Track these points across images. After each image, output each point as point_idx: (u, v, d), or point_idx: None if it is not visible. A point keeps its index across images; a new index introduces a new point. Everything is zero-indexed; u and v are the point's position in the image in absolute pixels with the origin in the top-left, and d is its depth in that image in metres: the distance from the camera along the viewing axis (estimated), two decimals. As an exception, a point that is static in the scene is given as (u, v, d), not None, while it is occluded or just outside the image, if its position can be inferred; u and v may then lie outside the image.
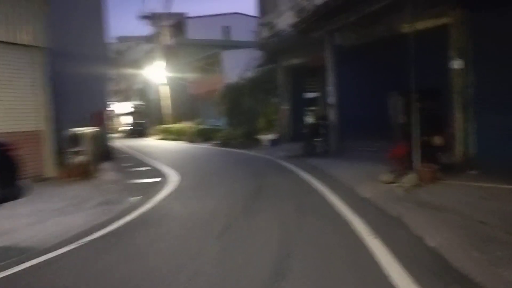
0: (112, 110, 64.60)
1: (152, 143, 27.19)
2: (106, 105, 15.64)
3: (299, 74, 17.27)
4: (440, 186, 6.63)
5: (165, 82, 33.91)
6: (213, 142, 20.09)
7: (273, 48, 16.50)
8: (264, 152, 14.81)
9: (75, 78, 14.42)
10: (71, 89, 14.18)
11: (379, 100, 11.88)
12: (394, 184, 7.10)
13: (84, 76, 14.76)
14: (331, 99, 12.57)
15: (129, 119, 48.32)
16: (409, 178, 7.03)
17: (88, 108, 14.68)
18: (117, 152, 17.35)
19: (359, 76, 12.71)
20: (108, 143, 15.55)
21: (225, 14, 40.32)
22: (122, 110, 57.79)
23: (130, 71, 46.18)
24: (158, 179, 9.45)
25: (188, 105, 34.77)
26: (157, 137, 32.18)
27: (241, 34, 36.09)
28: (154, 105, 38.57)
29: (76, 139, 10.27)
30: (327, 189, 7.07)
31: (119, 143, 26.94)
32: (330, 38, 12.28)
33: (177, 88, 35.17)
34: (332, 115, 12.58)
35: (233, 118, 19.72)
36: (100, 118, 14.98)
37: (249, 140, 17.66)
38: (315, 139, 13.28)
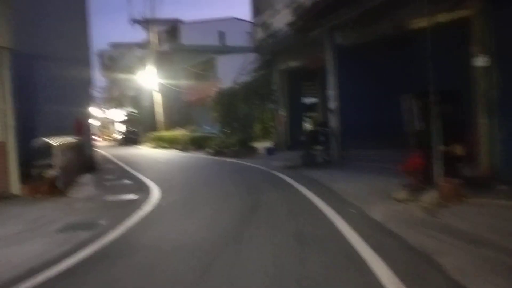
0: (104, 118, 63.55)
1: (142, 151, 26.02)
2: (88, 113, 14.49)
3: (297, 77, 16.24)
4: (467, 206, 5.53)
5: (158, 88, 32.76)
6: (206, 150, 18.96)
7: (269, 50, 15.49)
8: (260, 161, 13.71)
9: (53, 83, 13.32)
10: (48, 95, 13.07)
11: (385, 105, 10.83)
12: (411, 203, 6.00)
13: (63, 81, 13.67)
14: (332, 103, 11.50)
15: (122, 127, 47.18)
16: (429, 196, 5.94)
17: (67, 116, 13.58)
18: (101, 163, 16.21)
19: (362, 78, 11.68)
20: (91, 154, 14.39)
21: (220, 19, 39.51)
22: (115, 117, 56.62)
23: (123, 77, 45.23)
24: (139, 196, 8.31)
25: (182, 112, 33.74)
26: (150, 145, 31.03)
27: (236, 39, 35.24)
28: (147, 112, 37.45)
29: (47, 151, 9.13)
30: (332, 210, 5.96)
31: (107, 152, 25.79)
32: (330, 37, 11.25)
33: (171, 94, 34.13)
34: (333, 121, 11.51)
35: (227, 125, 18.63)
36: (81, 126, 13.84)
37: (244, 148, 16.57)
38: (315, 148, 12.20)
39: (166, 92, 33.88)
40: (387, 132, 10.65)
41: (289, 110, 16.57)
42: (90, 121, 15.64)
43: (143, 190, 9.01)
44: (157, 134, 30.59)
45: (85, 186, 9.99)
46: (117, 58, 51.97)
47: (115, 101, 55.43)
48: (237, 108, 17.89)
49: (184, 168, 13.99)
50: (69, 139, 10.90)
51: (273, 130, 17.70)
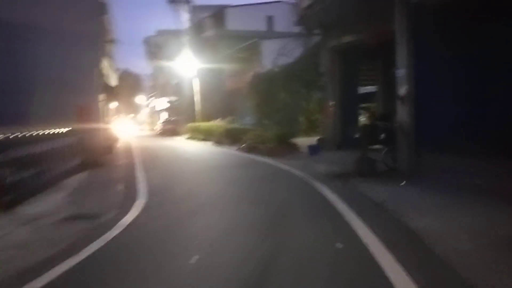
0: (151, 107, 62.81)
1: (174, 144, 23.66)
2: (96, 97, 12.04)
3: (352, 58, 12.82)
4: None
5: (197, 76, 30.38)
6: (240, 145, 16.06)
7: (317, 21, 12.18)
8: (299, 164, 10.58)
9: (51, 61, 11.01)
10: (40, 74, 10.77)
11: (483, 92, 7.32)
12: None
13: (66, 60, 11.32)
14: (402, 88, 8.07)
15: (164, 116, 45.72)
16: None
17: (70, 100, 11.26)
18: (112, 157, 13.82)
19: (449, 54, 8.14)
20: (99, 147, 11.96)
21: (268, 2, 36.53)
22: (159, 106, 55.49)
23: (167, 65, 43.54)
24: (107, 217, 5.54)
25: (224, 101, 31.28)
26: (186, 136, 28.76)
27: (285, 24, 32.07)
28: (188, 101, 35.34)
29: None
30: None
31: (136, 143, 23.70)
32: (405, -9, 7.81)
33: (212, 82, 31.73)
34: (403, 113, 8.09)
35: (263, 117, 15.58)
36: (85, 114, 11.44)
37: (283, 145, 13.46)
38: (373, 148, 8.91)
39: (208, 80, 31.54)
40: (488, 131, 7.16)
41: (340, 99, 13.21)
42: (102, 107, 13.19)
43: (123, 206, 6.23)
44: (193, 124, 28.24)
45: (56, 194, 7.40)
46: (163, 45, 50.47)
47: (160, 90, 54.22)
48: (276, 96, 14.76)
49: (200, 169, 11.14)
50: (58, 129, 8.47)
51: (319, 124, 14.47)
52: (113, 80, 25.32)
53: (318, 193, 6.72)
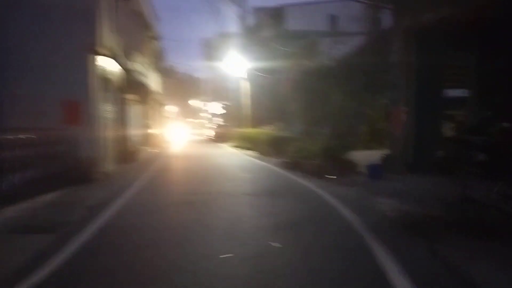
0: (206, 111, 61.61)
1: (215, 152, 21.05)
2: (90, 92, 9.59)
3: (435, 44, 9.15)
4: None
5: (248, 78, 27.73)
6: (284, 159, 12.93)
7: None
8: (353, 195, 7.29)
9: (29, 40, 8.76)
10: (19, 61, 8.53)
11: None
12: None
13: (48, 38, 9.01)
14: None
15: (215, 121, 43.81)
16: None
17: (55, 95, 8.89)
18: (122, 170, 11.38)
19: None
20: (93, 155, 9.47)
21: (331, 1, 33.13)
22: (214, 110, 53.93)
23: (222, 67, 41.67)
24: None
25: (278, 105, 28.41)
26: (233, 144, 26.18)
27: (350, 24, 28.56)
28: (239, 105, 32.89)
29: None
30: None
31: (175, 150, 21.42)
32: None
33: (266, 85, 28.95)
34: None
35: (311, 124, 12.34)
36: (76, 113, 9.02)
37: (333, 162, 10.14)
38: (468, 172, 5.52)
39: (261, 83, 28.81)
40: None
41: (414, 103, 9.62)
42: (103, 107, 10.78)
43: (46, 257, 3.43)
44: (241, 131, 25.57)
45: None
46: (220, 48, 48.78)
47: (216, 93, 52.67)
48: (328, 98, 11.46)
49: (215, 198, 8.19)
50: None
51: (385, 135, 11.00)
52: (153, 81, 23.34)
53: (381, 275, 3.43)
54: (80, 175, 8.83)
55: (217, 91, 50.98)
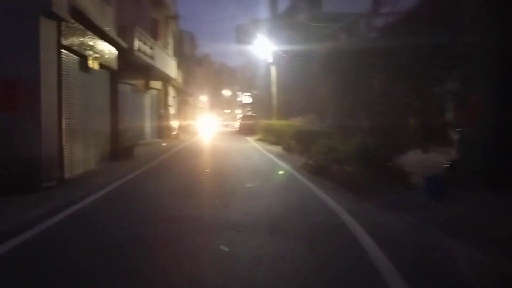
0: (240, 101, 59.08)
1: (237, 146, 18.37)
2: (42, 70, 7.11)
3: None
4: None
5: (277, 64, 24.83)
6: (307, 159, 10.05)
7: None
8: (406, 230, 4.41)
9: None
10: None
11: None
12: None
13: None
14: None
15: (243, 112, 41.21)
16: None
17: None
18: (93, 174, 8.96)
19: None
20: (39, 152, 7.02)
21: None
22: (245, 100, 51.38)
23: (254, 54, 38.90)
24: None
25: (310, 94, 25.45)
26: (258, 137, 23.49)
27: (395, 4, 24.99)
28: (267, 95, 30.10)
29: None
30: None
31: (195, 143, 18.97)
32: None
33: (298, 72, 25.99)
34: None
35: (342, 116, 9.39)
36: (15, 93, 6.58)
37: (375, 168, 7.20)
38: None
39: (291, 70, 25.89)
40: None
41: (496, 88, 6.48)
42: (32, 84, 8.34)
43: None
44: (267, 123, 22.80)
45: None
46: (253, 34, 45.94)
47: (248, 82, 49.99)
48: (365, 84, 8.43)
49: (175, 234, 5.50)
50: None
51: (450, 133, 7.93)
52: (172, 67, 20.91)
53: None
54: (16, 181, 6.42)
55: (250, 80, 48.31)
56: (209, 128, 33.73)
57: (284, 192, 7.16)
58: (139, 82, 17.48)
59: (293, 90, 26.83)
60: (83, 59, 9.39)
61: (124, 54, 12.63)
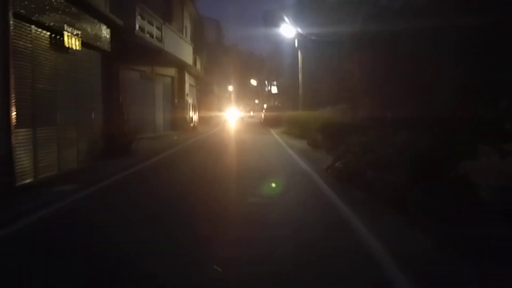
0: (268, 91, 56.88)
1: (253, 140, 16.36)
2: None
3: None
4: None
5: (304, 48, 22.54)
6: (334, 160, 7.90)
7: None
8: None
9: None
10: None
11: None
12: None
13: None
14: None
15: (268, 102, 39.06)
16: None
17: None
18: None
19: None
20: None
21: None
22: (273, 90, 49.22)
23: (282, 40, 36.58)
24: None
25: (342, 83, 23.10)
26: (283, 129, 21.42)
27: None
28: (294, 84, 27.86)
29: None
30: None
31: (206, 136, 17.13)
32: None
33: (328, 58, 23.62)
34: None
35: (381, 106, 7.18)
36: None
37: (427, 179, 5.03)
38: None
39: (321, 55, 23.56)
40: None
41: None
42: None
43: None
44: (292, 114, 20.67)
45: None
46: (280, 17, 43.52)
47: (274, 72, 47.71)
48: (419, 59, 6.19)
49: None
50: None
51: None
52: (186, 53, 19.04)
53: None
54: None
55: (277, 69, 46.04)
56: (233, 120, 31.83)
57: (298, 214, 5.09)
58: (148, 68, 15.76)
59: (322, 78, 24.47)
60: (58, 35, 7.61)
61: (121, 33, 10.85)
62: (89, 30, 8.99)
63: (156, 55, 14.08)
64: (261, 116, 35.88)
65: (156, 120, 17.15)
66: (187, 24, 20.72)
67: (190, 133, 18.70)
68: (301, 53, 21.37)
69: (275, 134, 19.90)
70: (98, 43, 9.47)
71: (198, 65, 24.97)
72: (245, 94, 73.95)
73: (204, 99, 34.25)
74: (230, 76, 57.06)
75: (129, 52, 12.21)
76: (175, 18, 18.14)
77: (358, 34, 10.12)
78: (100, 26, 9.61)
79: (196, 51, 24.93)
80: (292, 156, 10.72)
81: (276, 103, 36.07)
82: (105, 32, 9.90)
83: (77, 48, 8.29)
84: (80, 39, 8.40)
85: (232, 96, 61.99)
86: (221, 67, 48.12)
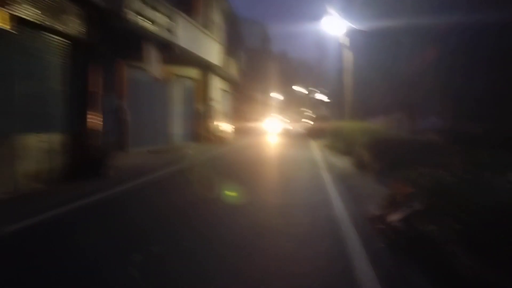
0: (314, 98, 53.30)
1: (287, 156, 13.24)
2: None
3: None
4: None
5: (350, 48, 19.23)
6: (398, 204, 4.73)
7: None
8: None
9: None
10: None
11: None
12: None
13: None
14: None
15: (314, 112, 35.68)
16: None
17: None
18: None
19: None
20: None
21: None
22: (320, 97, 45.73)
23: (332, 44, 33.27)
24: None
25: (400, 89, 19.57)
26: (326, 142, 18.19)
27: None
28: (342, 91, 24.49)
29: None
30: None
31: (230, 149, 14.26)
32: None
33: (384, 57, 20.23)
34: None
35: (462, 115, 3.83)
36: None
37: None
38: None
39: (375, 55, 20.30)
40: None
41: None
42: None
43: None
44: (336, 125, 17.37)
45: None
46: (325, 10, 40.22)
47: (322, 78, 44.30)
48: None
49: None
50: None
51: None
52: (211, 52, 16.43)
53: None
54: None
55: (325, 76, 42.64)
56: (274, 129, 28.77)
57: None
58: (162, 68, 13.30)
59: (374, 82, 20.96)
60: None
61: (108, 17, 8.36)
62: (41, 5, 6.50)
63: (165, 50, 11.52)
64: (304, 126, 32.67)
65: (170, 129, 14.63)
66: (216, 19, 18.17)
67: (213, 146, 16.00)
68: (349, 50, 18.03)
69: (315, 149, 16.70)
70: (60, 26, 6.97)
71: (233, 68, 22.38)
72: (291, 102, 70.86)
73: (243, 107, 31.66)
74: (275, 84, 54.33)
75: (119, 42, 9.72)
76: (198, 10, 15.62)
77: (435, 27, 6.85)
78: (64, 1, 7.12)
79: (230, 53, 22.39)
80: (325, 186, 7.51)
81: (321, 112, 32.70)
82: (75, 11, 7.41)
83: (5, 27, 5.78)
84: (15, 14, 5.90)
85: (277, 104, 59.14)
86: (266, 74, 45.51)
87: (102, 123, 8.28)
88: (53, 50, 7.12)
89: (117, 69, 10.83)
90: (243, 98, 31.49)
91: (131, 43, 10.08)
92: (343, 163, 11.34)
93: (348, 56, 18.22)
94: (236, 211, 5.41)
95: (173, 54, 12.12)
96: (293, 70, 71.71)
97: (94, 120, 8.06)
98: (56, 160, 7.14)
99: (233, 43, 24.75)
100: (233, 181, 7.85)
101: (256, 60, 38.22)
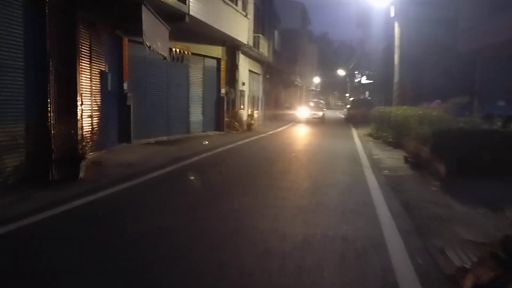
0: (356, 82, 49.98)
1: (321, 148, 11.03)
2: None
3: None
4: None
5: (399, 21, 16.46)
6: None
7: None
8: None
9: None
10: None
11: None
12: None
13: None
14: None
15: (357, 96, 32.80)
16: None
17: None
18: None
19: None
20: None
21: None
22: (362, 81, 42.52)
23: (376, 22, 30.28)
24: None
25: (456, 71, 16.90)
26: (370, 130, 15.76)
27: None
28: (387, 73, 21.73)
29: None
30: None
31: (257, 140, 12.21)
32: None
33: (435, 38, 17.52)
34: None
35: None
36: None
37: None
38: None
39: (428, 30, 17.59)
40: None
41: None
42: None
43: None
44: (383, 110, 14.82)
45: None
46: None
47: (365, 61, 41.00)
48: None
49: None
50: None
51: None
52: (236, 28, 14.30)
53: None
54: None
55: (368, 57, 39.38)
56: (310, 116, 26.30)
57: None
58: (178, 45, 11.40)
59: (427, 62, 18.15)
60: None
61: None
62: None
63: (173, 22, 9.55)
64: (345, 112, 29.98)
65: (189, 116, 12.78)
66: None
67: (238, 135, 14.02)
68: (398, 25, 15.30)
69: (357, 139, 14.35)
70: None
71: (264, 48, 20.19)
72: (331, 87, 67.58)
73: (276, 92, 29.44)
74: (313, 67, 51.43)
75: (124, 12, 7.87)
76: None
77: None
78: None
79: (263, 31, 20.21)
80: (372, 203, 5.28)
81: (363, 96, 29.90)
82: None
83: None
84: None
85: (315, 89, 56.23)
86: (304, 56, 42.82)
87: (80, 110, 6.47)
88: (10, 16, 5.33)
89: (113, 43, 9.00)
90: (278, 82, 29.24)
91: (128, 10, 8.16)
92: (392, 159, 9.06)
93: (397, 31, 15.50)
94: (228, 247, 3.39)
95: (185, 27, 10.14)
96: (333, 53, 68.16)
97: (69, 110, 6.26)
98: (12, 158, 5.42)
99: (267, 21, 22.52)
100: (245, 187, 5.81)
101: (294, 41, 35.69)
